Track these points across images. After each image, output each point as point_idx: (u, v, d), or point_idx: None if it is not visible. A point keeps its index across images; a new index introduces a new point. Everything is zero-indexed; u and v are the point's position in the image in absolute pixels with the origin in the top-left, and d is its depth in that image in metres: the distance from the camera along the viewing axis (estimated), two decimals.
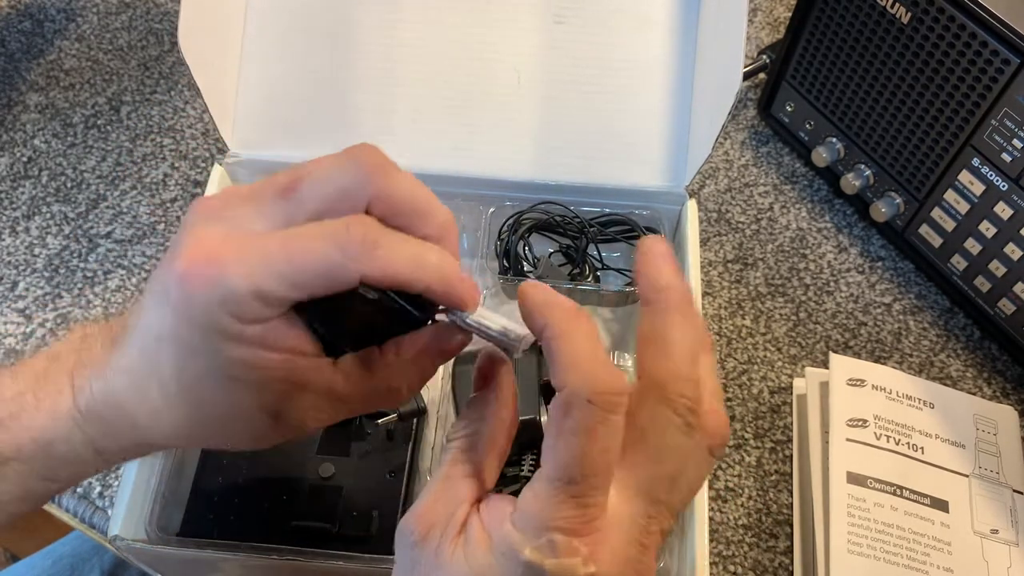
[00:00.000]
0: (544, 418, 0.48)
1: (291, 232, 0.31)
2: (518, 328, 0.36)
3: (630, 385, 0.29)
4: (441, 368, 0.52)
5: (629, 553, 0.29)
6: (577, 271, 0.60)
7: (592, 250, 0.60)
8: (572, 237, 0.60)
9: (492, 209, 0.59)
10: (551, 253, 0.61)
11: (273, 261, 0.30)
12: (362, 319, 0.33)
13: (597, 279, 0.60)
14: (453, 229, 0.34)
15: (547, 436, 0.28)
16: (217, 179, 0.58)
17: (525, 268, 0.59)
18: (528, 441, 0.47)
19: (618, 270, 0.61)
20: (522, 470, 0.47)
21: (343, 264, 0.30)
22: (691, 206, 0.58)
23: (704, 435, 0.31)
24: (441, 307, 0.34)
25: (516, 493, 0.47)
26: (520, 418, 0.46)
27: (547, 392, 0.50)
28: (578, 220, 0.59)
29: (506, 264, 0.59)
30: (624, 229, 0.60)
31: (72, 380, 0.34)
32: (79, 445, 0.34)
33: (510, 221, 0.59)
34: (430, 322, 0.36)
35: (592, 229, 0.59)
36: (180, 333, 0.31)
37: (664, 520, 0.30)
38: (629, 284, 0.59)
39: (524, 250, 0.59)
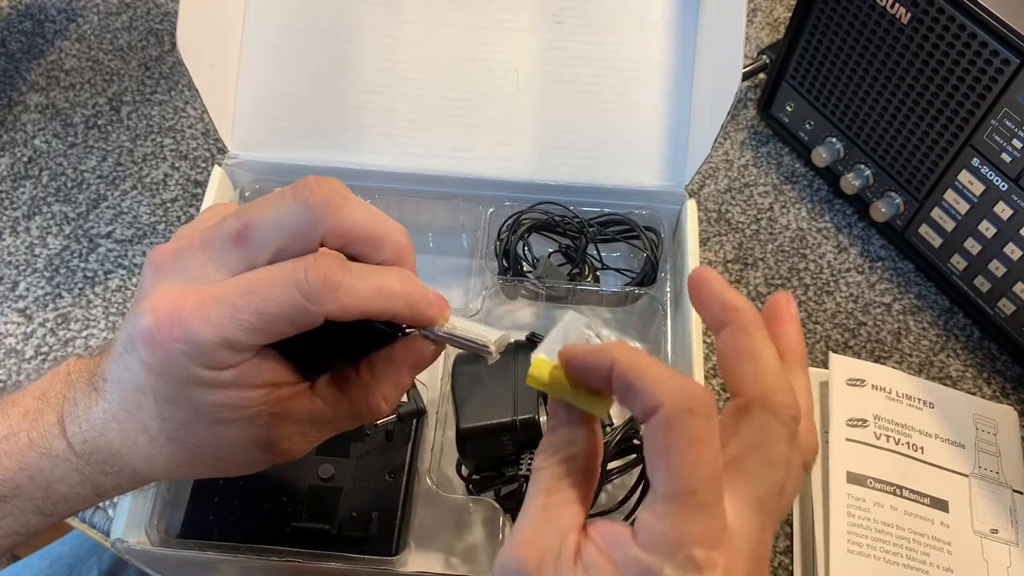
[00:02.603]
0: (543, 418, 0.48)
1: (252, 278, 0.31)
2: (490, 333, 0.36)
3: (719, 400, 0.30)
4: (440, 368, 0.53)
5: (750, 565, 0.28)
6: (577, 271, 0.59)
7: (592, 250, 0.60)
8: (572, 237, 0.60)
9: (492, 209, 0.59)
10: (551, 253, 0.61)
11: (237, 310, 0.30)
12: (332, 342, 0.34)
13: (597, 279, 0.60)
14: (409, 250, 0.34)
15: (652, 458, 0.28)
16: (217, 181, 0.58)
17: (525, 268, 0.59)
18: (528, 441, 0.46)
19: (618, 270, 0.61)
20: (520, 469, 0.46)
21: (306, 308, 0.31)
22: (691, 206, 0.58)
23: (799, 450, 0.31)
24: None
25: (515, 493, 0.47)
26: (519, 418, 0.46)
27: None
28: (578, 220, 0.59)
29: (505, 264, 0.59)
30: (624, 229, 0.60)
31: (63, 425, 0.34)
32: (78, 486, 0.35)
33: (510, 221, 0.59)
34: (400, 335, 0.36)
35: (592, 229, 0.59)
36: (157, 386, 0.32)
37: (773, 531, 0.30)
38: (628, 284, 0.59)
39: (524, 250, 0.59)
